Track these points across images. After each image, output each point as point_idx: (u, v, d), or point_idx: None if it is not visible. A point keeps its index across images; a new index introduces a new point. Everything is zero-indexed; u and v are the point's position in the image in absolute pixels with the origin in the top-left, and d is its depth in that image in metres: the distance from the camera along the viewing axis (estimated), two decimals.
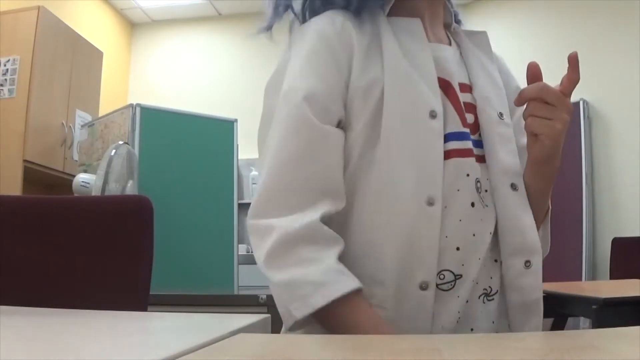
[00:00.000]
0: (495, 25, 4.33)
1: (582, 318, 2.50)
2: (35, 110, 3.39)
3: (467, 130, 0.87)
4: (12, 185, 3.23)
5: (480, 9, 4.56)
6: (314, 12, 0.91)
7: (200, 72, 5.17)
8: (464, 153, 0.84)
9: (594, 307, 1.34)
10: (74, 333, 0.65)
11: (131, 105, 3.18)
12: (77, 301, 0.96)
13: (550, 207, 0.93)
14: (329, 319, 0.75)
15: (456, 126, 0.85)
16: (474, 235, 0.82)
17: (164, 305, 1.80)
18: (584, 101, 3.95)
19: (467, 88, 0.90)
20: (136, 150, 2.98)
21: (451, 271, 0.81)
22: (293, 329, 0.78)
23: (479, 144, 0.88)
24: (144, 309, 1.12)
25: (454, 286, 0.81)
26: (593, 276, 3.80)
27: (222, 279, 3.27)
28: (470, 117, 0.88)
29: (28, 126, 3.33)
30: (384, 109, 0.82)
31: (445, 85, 0.87)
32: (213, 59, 5.20)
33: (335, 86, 0.83)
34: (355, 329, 0.74)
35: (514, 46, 4.42)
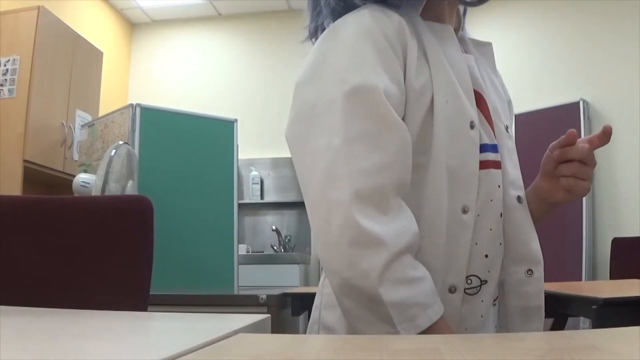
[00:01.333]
0: (495, 25, 4.33)
1: (582, 318, 2.50)
2: (35, 110, 3.39)
3: (497, 142, 0.89)
4: (12, 185, 3.23)
5: (480, 8, 4.54)
6: (349, 8, 0.87)
7: (200, 72, 5.17)
8: (497, 165, 0.88)
9: (594, 307, 1.35)
10: (74, 333, 0.65)
11: (131, 105, 3.18)
12: (77, 301, 0.96)
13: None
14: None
15: (489, 138, 0.88)
16: (500, 244, 0.87)
17: (164, 305, 1.80)
18: (584, 101, 3.95)
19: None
20: (136, 150, 2.98)
21: (478, 277, 0.84)
22: None
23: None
24: (144, 309, 1.12)
25: (479, 291, 0.85)
26: (593, 276, 3.80)
27: (222, 279, 3.27)
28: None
29: (28, 126, 3.33)
30: (434, 116, 0.82)
31: (477, 97, 0.88)
32: (213, 59, 5.20)
33: (402, 84, 0.81)
34: None
35: (514, 46, 4.42)
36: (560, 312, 1.71)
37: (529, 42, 4.39)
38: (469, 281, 0.84)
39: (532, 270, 0.87)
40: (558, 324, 1.93)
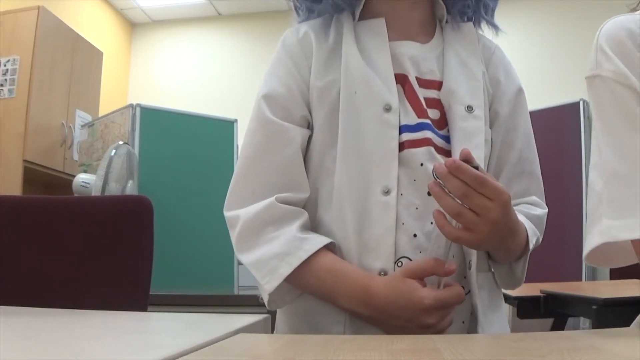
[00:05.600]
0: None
1: (582, 318, 2.50)
2: (35, 110, 3.39)
3: (425, 121, 0.88)
4: (12, 185, 3.23)
5: None
6: (304, 18, 1.00)
7: (200, 72, 5.17)
8: (417, 143, 0.86)
9: (594, 307, 1.34)
10: (74, 333, 0.65)
11: (131, 105, 3.18)
12: (77, 301, 0.96)
13: (530, 236, 0.86)
14: (305, 283, 0.83)
15: (411, 119, 0.88)
16: (431, 223, 0.83)
17: (164, 305, 1.80)
18: (584, 101, 3.94)
19: (435, 84, 0.92)
20: (136, 150, 2.98)
21: (408, 258, 0.83)
22: (272, 306, 0.85)
23: (448, 139, 0.89)
24: (144, 309, 1.12)
25: None
26: (593, 276, 3.80)
27: (222, 279, 3.27)
28: (436, 113, 0.90)
29: (28, 126, 3.33)
30: (340, 106, 0.87)
31: (402, 80, 0.90)
32: (213, 59, 5.19)
33: (294, 88, 0.91)
34: (326, 282, 0.81)
35: (514, 46, 4.42)
36: (560, 312, 1.71)
37: (529, 43, 4.39)
38: (399, 264, 0.82)
39: (470, 263, 0.84)
40: (558, 324, 1.93)
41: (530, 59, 4.36)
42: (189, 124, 3.36)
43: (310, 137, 0.91)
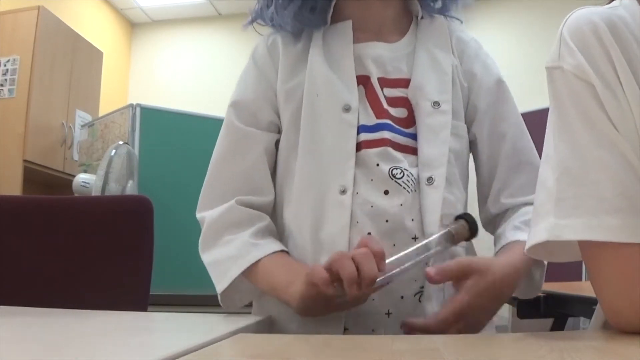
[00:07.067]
0: (495, 25, 4.33)
1: (582, 318, 2.50)
2: (35, 110, 3.39)
3: (384, 121, 0.88)
4: (12, 185, 3.23)
5: (479, 9, 4.56)
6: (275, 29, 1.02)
7: (200, 72, 5.17)
8: (374, 144, 0.87)
9: (594, 307, 1.34)
10: (74, 333, 0.65)
11: (131, 105, 3.18)
12: (77, 301, 0.96)
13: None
14: (254, 283, 0.86)
15: (369, 119, 0.89)
16: (387, 221, 0.84)
17: (164, 305, 1.80)
18: None
19: (403, 82, 0.92)
20: (136, 150, 2.98)
21: None
22: (225, 306, 0.89)
23: (415, 136, 0.89)
24: (144, 309, 1.13)
25: None
26: None
27: None
28: (402, 111, 0.90)
29: (28, 126, 3.33)
30: (303, 108, 0.90)
31: (364, 82, 0.91)
32: (213, 59, 5.19)
33: (260, 94, 0.94)
34: (271, 284, 0.83)
35: (514, 45, 4.42)
36: (560, 312, 1.71)
37: (529, 42, 4.39)
38: None
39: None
40: (558, 324, 1.93)
41: (531, 59, 4.35)
42: (189, 124, 3.36)
43: (279, 141, 0.94)
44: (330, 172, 0.86)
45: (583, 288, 2.03)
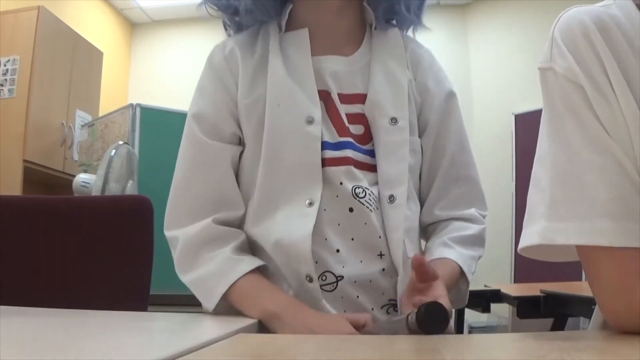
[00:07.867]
0: (495, 26, 4.33)
1: (582, 318, 2.50)
2: (35, 110, 3.38)
3: (346, 139, 0.88)
4: (12, 185, 3.23)
5: (479, 9, 4.56)
6: (234, 32, 1.06)
7: (200, 72, 5.17)
8: (337, 162, 0.87)
9: (593, 307, 1.34)
10: (74, 333, 0.65)
11: (131, 105, 3.18)
12: (77, 301, 0.96)
13: (466, 270, 0.88)
14: (236, 302, 0.83)
15: (332, 136, 0.88)
16: (352, 239, 0.85)
17: (164, 305, 1.80)
18: None
19: (359, 98, 0.91)
20: (136, 150, 2.98)
21: (332, 272, 0.84)
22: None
23: (373, 153, 0.90)
24: (144, 309, 1.12)
25: (335, 287, 0.84)
26: None
27: None
28: (359, 128, 0.90)
29: (28, 126, 3.33)
30: (265, 120, 0.88)
31: (325, 97, 0.90)
32: None
33: (222, 106, 0.92)
34: (255, 301, 0.81)
35: (514, 46, 4.42)
36: (560, 312, 1.71)
37: (529, 42, 4.39)
38: (323, 277, 0.84)
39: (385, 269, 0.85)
40: (558, 324, 1.93)
41: (531, 59, 4.36)
42: None
43: (242, 153, 0.92)
44: (298, 185, 0.86)
45: (583, 288, 2.03)
